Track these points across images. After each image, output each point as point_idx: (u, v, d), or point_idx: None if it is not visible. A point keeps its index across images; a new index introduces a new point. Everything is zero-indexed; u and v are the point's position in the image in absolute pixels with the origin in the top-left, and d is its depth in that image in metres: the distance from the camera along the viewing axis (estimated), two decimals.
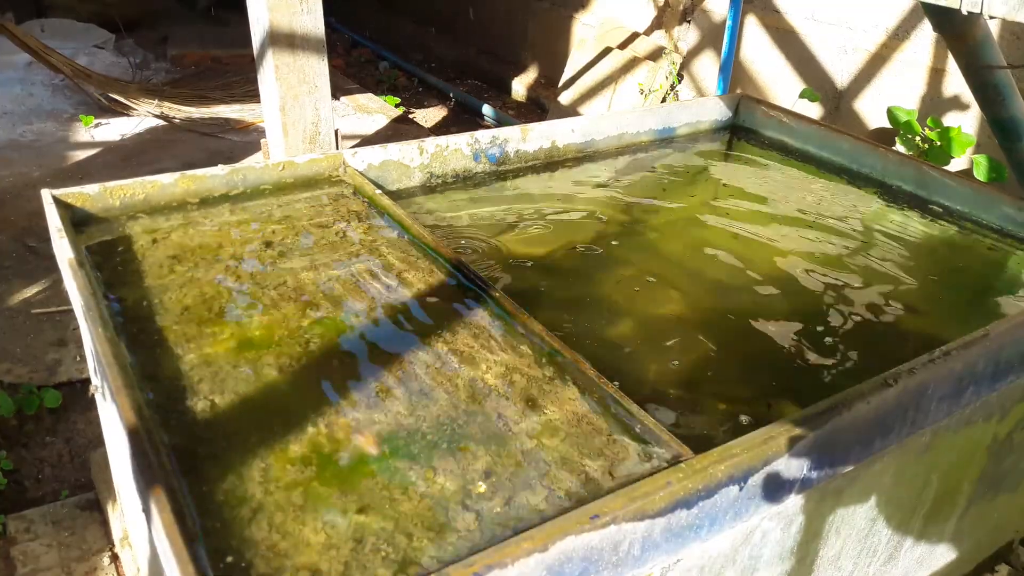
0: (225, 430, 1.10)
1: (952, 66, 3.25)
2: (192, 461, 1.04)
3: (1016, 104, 1.90)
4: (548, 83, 5.51)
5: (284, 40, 2.56)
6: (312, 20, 2.58)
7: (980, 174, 2.92)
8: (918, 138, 3.17)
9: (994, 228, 1.97)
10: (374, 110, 4.97)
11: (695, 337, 1.56)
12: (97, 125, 4.51)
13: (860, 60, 3.60)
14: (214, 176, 1.70)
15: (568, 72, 4.94)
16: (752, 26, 4.04)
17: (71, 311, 2.48)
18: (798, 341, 1.56)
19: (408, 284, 1.46)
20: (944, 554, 1.73)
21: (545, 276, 1.70)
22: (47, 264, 3.08)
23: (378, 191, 1.74)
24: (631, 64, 4.56)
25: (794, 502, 1.19)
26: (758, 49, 4.04)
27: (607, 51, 4.73)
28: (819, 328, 1.60)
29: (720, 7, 4.20)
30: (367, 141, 4.50)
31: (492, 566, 0.86)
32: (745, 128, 2.48)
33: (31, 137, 4.34)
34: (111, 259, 1.47)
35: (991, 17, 1.37)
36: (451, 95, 5.52)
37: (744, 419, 1.32)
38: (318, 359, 1.26)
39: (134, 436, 1.00)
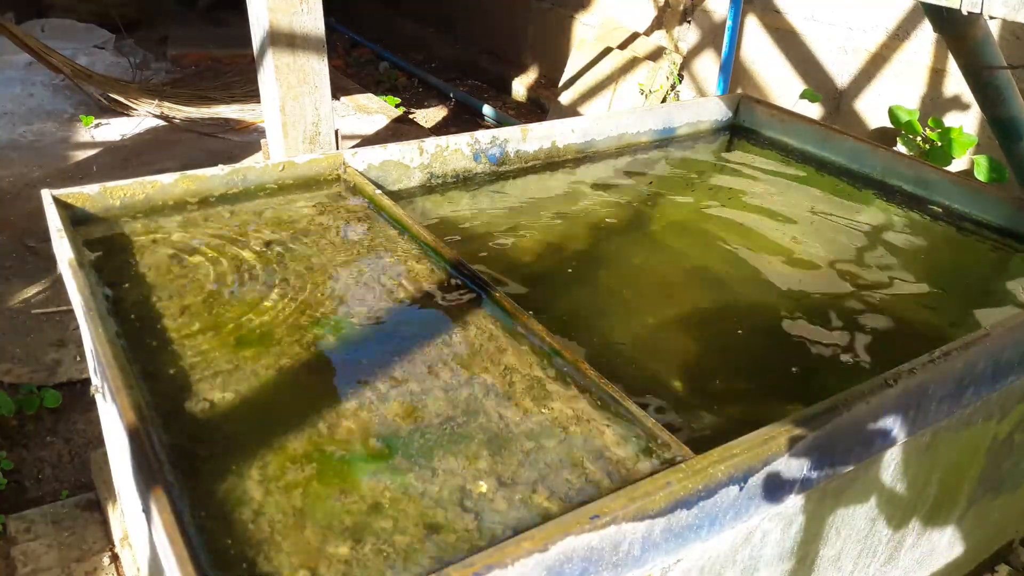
0: (225, 430, 1.10)
1: (952, 66, 3.25)
2: (192, 461, 1.04)
3: (1016, 104, 1.90)
4: (548, 83, 5.51)
5: (284, 40, 2.56)
6: (312, 20, 2.58)
7: (980, 174, 2.92)
8: (919, 138, 3.17)
9: (994, 228, 1.97)
10: (374, 110, 4.97)
11: (695, 337, 1.56)
12: (97, 125, 4.51)
13: (860, 60, 3.60)
14: (214, 176, 1.70)
15: (568, 72, 4.94)
16: (752, 26, 4.04)
17: (71, 311, 2.48)
18: (798, 341, 1.56)
19: (408, 284, 1.46)
20: (944, 554, 1.73)
21: (545, 276, 1.69)
22: (47, 264, 3.08)
23: (378, 191, 1.74)
24: (631, 64, 4.56)
25: (794, 502, 1.19)
26: (758, 49, 4.04)
27: (607, 51, 4.73)
28: (819, 328, 1.59)
29: (720, 7, 4.20)
30: (367, 141, 4.50)
31: (492, 566, 0.86)
32: (745, 128, 2.48)
33: (31, 137, 4.34)
34: (111, 259, 1.47)
35: (991, 17, 1.37)
36: (451, 95, 5.52)
37: (744, 419, 1.32)
38: (318, 359, 1.26)
39: (134, 436, 1.00)
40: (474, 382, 1.22)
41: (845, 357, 1.51)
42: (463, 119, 5.29)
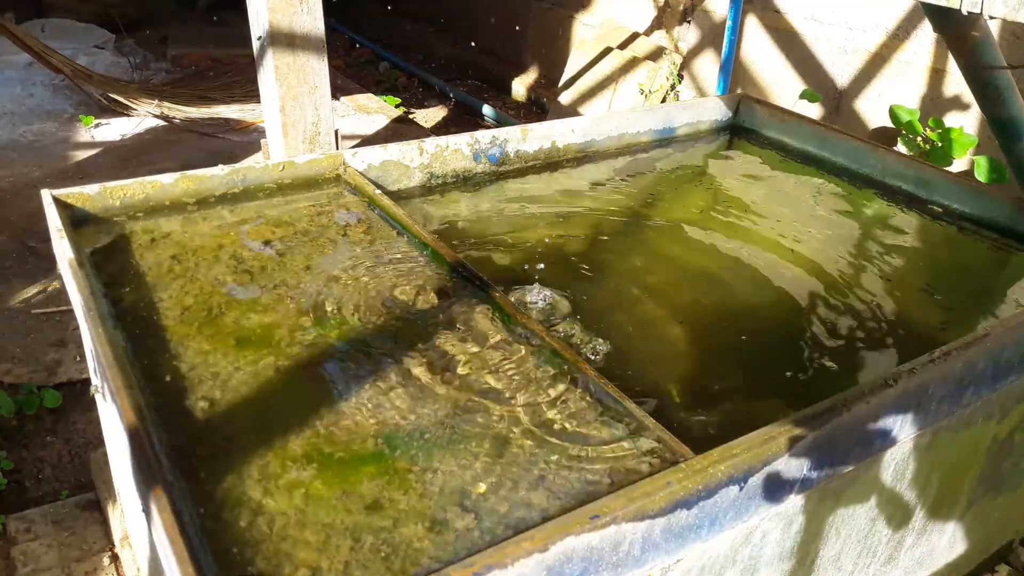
0: (225, 430, 1.10)
1: (952, 66, 3.25)
2: (192, 461, 1.04)
3: (1016, 104, 1.90)
4: (548, 83, 5.50)
5: (284, 40, 2.56)
6: (312, 20, 2.58)
7: (981, 175, 2.92)
8: (919, 139, 3.17)
9: (994, 228, 1.97)
10: (374, 110, 4.97)
11: (695, 337, 1.56)
12: (97, 125, 4.51)
13: (860, 60, 3.60)
14: (214, 176, 1.70)
15: (568, 72, 4.94)
16: (752, 26, 4.04)
17: (71, 311, 2.48)
18: (798, 341, 1.56)
19: (407, 284, 1.46)
20: (944, 554, 1.73)
21: (545, 276, 1.69)
22: (47, 264, 3.08)
23: (378, 191, 1.74)
24: (631, 64, 4.56)
25: (794, 502, 1.19)
26: (758, 49, 4.04)
27: (607, 51, 4.73)
28: (819, 329, 1.60)
29: (720, 7, 4.20)
30: (367, 141, 4.50)
31: (492, 566, 0.86)
32: (745, 128, 2.48)
33: (31, 137, 4.34)
34: (111, 259, 1.47)
35: (991, 17, 1.37)
36: (451, 95, 5.52)
37: (744, 419, 1.32)
38: (318, 359, 1.26)
39: (134, 436, 1.00)
40: (474, 382, 1.22)
41: (845, 357, 1.51)
42: (463, 119, 5.29)
